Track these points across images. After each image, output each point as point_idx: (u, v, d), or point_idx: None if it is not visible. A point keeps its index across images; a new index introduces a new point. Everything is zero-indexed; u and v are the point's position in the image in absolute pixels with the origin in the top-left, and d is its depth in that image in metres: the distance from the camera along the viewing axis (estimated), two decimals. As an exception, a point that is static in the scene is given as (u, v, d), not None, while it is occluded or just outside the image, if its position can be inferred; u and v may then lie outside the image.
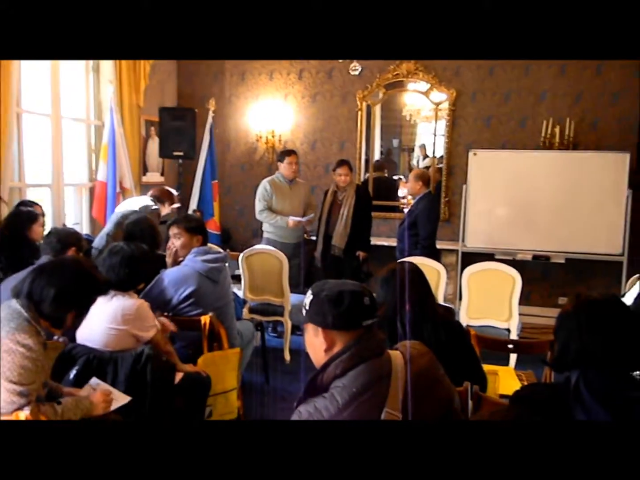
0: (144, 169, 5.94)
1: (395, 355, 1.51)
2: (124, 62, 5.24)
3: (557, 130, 5.57)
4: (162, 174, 6.29)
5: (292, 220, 4.90)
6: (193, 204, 5.99)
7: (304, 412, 1.43)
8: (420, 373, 1.48)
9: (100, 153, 5.13)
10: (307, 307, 1.54)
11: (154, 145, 5.96)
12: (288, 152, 5.12)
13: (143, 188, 5.58)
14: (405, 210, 6.20)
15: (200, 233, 3.23)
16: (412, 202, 4.84)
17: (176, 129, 5.59)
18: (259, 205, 5.03)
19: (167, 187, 4.64)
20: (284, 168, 5.02)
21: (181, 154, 5.66)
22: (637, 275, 3.40)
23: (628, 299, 2.99)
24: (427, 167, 6.14)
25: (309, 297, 1.55)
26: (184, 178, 6.00)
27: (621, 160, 5.15)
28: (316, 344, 1.52)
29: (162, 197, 4.35)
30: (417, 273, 2.25)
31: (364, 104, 6.14)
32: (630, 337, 1.41)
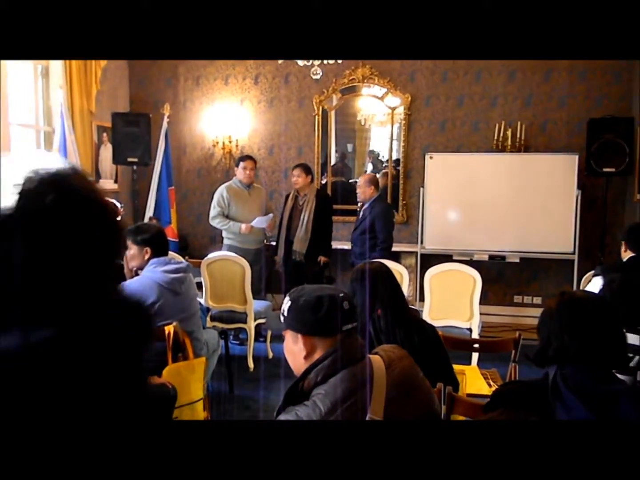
0: (97, 176, 5.76)
1: (375, 359, 1.50)
2: (74, 66, 5.08)
3: (509, 133, 5.74)
4: (115, 181, 6.12)
5: (244, 226, 4.85)
6: (149, 212, 5.85)
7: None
8: (401, 377, 1.48)
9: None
10: (285, 314, 1.52)
11: (106, 151, 5.79)
12: (243, 158, 5.13)
13: (96, 196, 5.41)
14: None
15: (149, 244, 3.04)
16: (364, 206, 4.89)
17: (130, 135, 5.45)
18: (212, 211, 5.01)
19: (109, 200, 4.50)
20: (239, 173, 5.03)
21: (135, 160, 5.52)
22: (592, 272, 3.53)
23: (585, 296, 3.08)
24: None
25: (286, 303, 1.52)
26: (139, 185, 5.85)
27: (570, 162, 5.35)
28: (295, 351, 1.50)
29: None
30: (387, 274, 2.26)
31: (321, 108, 6.16)
32: (609, 336, 1.45)
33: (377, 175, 5.97)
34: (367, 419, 1.38)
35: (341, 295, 1.50)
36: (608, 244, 5.34)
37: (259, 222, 4.89)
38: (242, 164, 5.00)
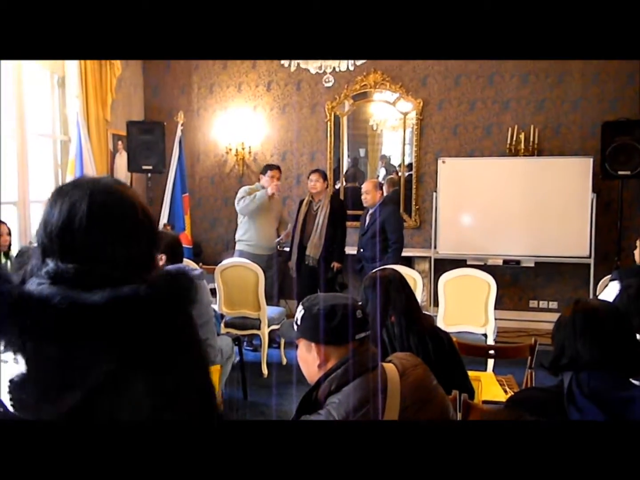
0: (112, 184, 5.82)
1: (389, 368, 1.51)
2: (90, 76, 5.15)
3: (522, 137, 5.70)
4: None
5: (269, 188, 4.90)
6: (163, 219, 5.91)
7: None
8: (415, 385, 1.48)
9: (67, 168, 5.01)
10: (298, 323, 1.54)
11: (122, 159, 5.86)
12: (272, 166, 5.18)
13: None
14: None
15: (164, 252, 3.02)
16: (371, 211, 4.90)
17: (144, 143, 5.52)
18: (238, 197, 5.02)
19: None
20: (266, 181, 5.06)
21: (150, 168, 5.59)
22: (608, 277, 3.49)
23: (602, 301, 3.06)
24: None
25: (300, 312, 1.54)
26: (154, 192, 5.91)
27: (585, 165, 5.30)
28: (309, 360, 1.51)
29: None
30: (401, 281, 2.26)
31: (333, 114, 6.18)
32: (622, 343, 1.45)
33: (383, 181, 6.11)
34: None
35: (354, 304, 1.51)
36: (624, 248, 5.28)
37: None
38: (270, 172, 5.06)
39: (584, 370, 1.42)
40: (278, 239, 5.14)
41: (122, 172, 5.92)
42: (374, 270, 2.41)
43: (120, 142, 5.88)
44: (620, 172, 5.15)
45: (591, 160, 5.28)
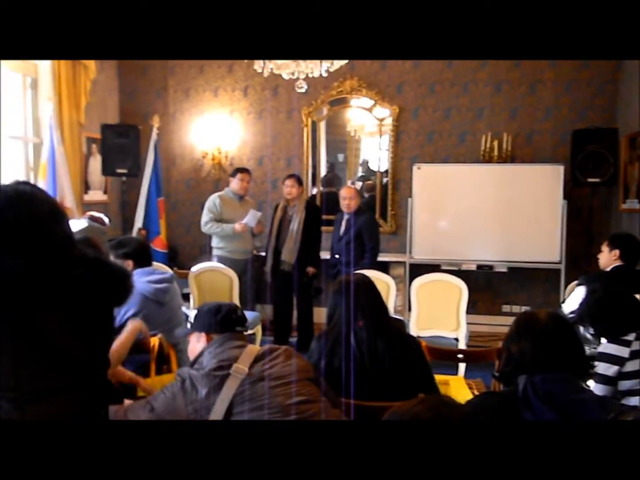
0: (86, 187, 5.77)
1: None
2: (63, 78, 5.10)
3: (495, 144, 5.79)
4: (105, 192, 6.13)
5: (237, 224, 4.87)
6: (138, 223, 5.86)
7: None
8: (269, 349, 1.90)
9: (39, 171, 4.95)
10: (192, 321, 2.01)
11: (96, 163, 5.80)
12: (241, 169, 5.20)
13: (85, 207, 5.41)
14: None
15: (130, 258, 3.06)
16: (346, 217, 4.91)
17: (119, 146, 5.48)
18: (205, 217, 5.05)
19: (97, 214, 4.43)
20: (235, 184, 5.08)
21: (125, 171, 5.54)
22: (575, 282, 3.56)
23: (568, 305, 3.12)
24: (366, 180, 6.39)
25: (193, 312, 2.03)
26: (128, 196, 5.87)
27: (556, 172, 5.40)
28: (198, 348, 1.93)
29: (95, 222, 4.24)
30: (369, 285, 2.27)
31: (310, 120, 6.20)
32: (563, 344, 1.50)
33: (360, 185, 6.26)
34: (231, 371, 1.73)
35: (236, 306, 2.04)
36: (594, 253, 5.35)
37: (250, 219, 4.96)
38: (239, 175, 5.08)
39: (530, 371, 1.46)
40: (246, 219, 4.97)
41: (96, 175, 5.86)
42: (343, 275, 2.42)
43: (94, 145, 5.82)
44: (589, 180, 5.26)
45: (562, 167, 5.38)
